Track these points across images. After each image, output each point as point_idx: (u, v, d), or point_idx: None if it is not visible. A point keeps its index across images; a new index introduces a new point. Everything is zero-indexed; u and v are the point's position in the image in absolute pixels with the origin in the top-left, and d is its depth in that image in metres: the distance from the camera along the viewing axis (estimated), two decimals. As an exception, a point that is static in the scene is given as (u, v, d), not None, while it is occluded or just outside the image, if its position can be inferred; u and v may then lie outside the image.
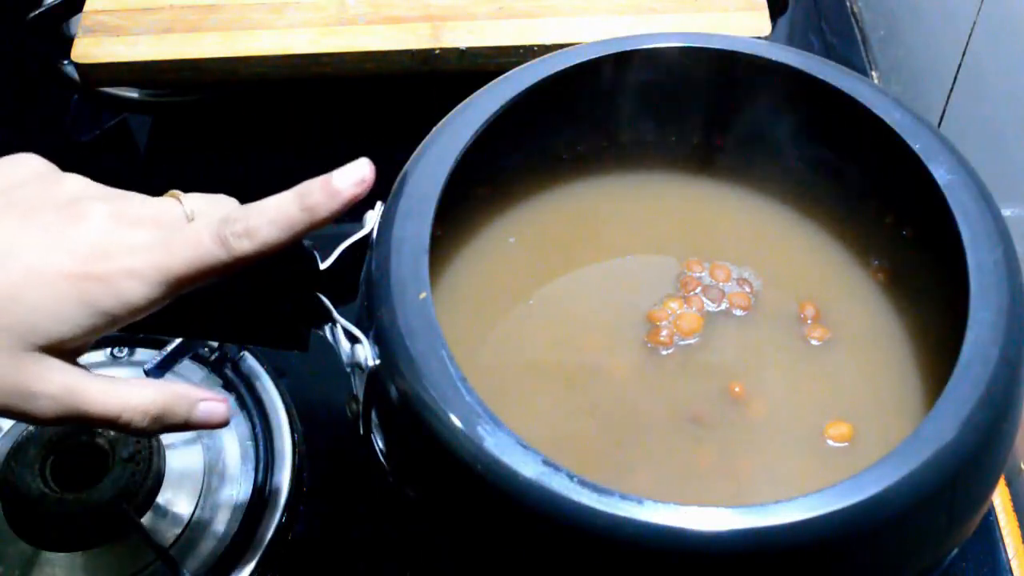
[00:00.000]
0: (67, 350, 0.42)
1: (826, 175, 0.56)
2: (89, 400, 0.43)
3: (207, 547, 0.57)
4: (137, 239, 0.43)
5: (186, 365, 0.63)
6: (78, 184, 0.45)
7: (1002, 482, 0.60)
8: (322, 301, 0.47)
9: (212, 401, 0.46)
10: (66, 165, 0.47)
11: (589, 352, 0.52)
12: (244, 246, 0.42)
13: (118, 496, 0.56)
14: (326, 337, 0.49)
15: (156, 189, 0.46)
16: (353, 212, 0.48)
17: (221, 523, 0.58)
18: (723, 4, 0.74)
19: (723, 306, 0.53)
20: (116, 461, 0.57)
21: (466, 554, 0.44)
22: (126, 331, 0.44)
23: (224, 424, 0.47)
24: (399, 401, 0.43)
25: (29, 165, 0.45)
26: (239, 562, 0.56)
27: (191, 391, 0.46)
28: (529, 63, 0.52)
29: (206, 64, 0.72)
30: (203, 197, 0.46)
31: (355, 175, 0.44)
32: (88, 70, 0.73)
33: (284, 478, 0.59)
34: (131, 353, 0.64)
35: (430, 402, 0.41)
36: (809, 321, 0.52)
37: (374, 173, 0.44)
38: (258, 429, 0.61)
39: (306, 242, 0.47)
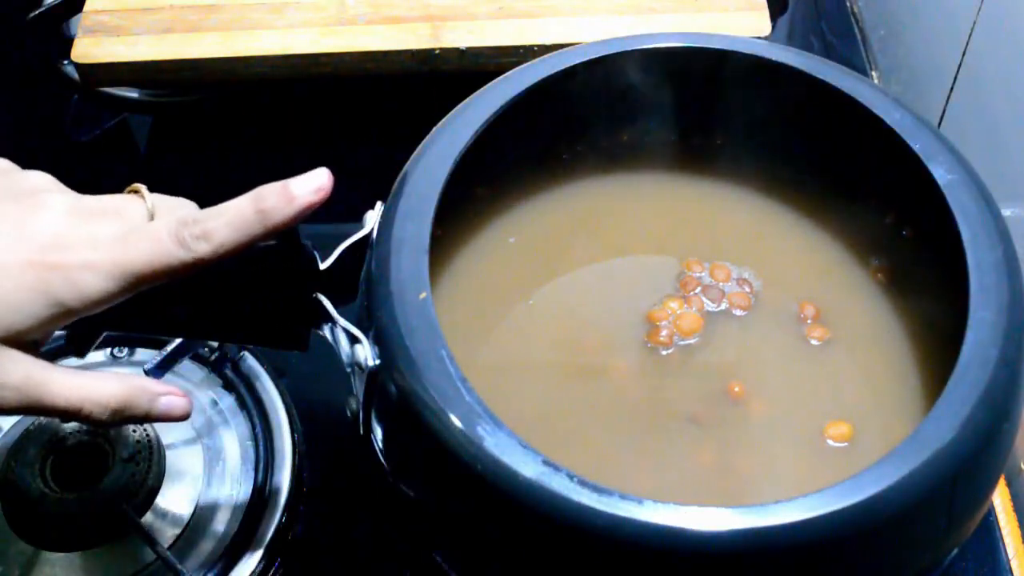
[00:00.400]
0: (26, 341, 0.43)
1: (826, 175, 0.56)
2: (51, 391, 0.43)
3: (207, 547, 0.57)
4: (97, 232, 0.43)
5: (186, 365, 0.63)
6: (40, 178, 0.45)
7: (1002, 482, 0.60)
8: (322, 301, 0.47)
9: (172, 396, 0.47)
10: (66, 165, 0.47)
11: (589, 352, 0.52)
12: (202, 248, 0.43)
13: (118, 496, 0.56)
14: (326, 337, 0.49)
15: (156, 189, 0.46)
16: (353, 212, 0.49)
17: (221, 523, 0.58)
18: (723, 4, 0.74)
19: (723, 306, 0.53)
20: (116, 461, 0.57)
21: (466, 554, 0.44)
22: (120, 331, 0.44)
23: (185, 417, 0.47)
24: (399, 401, 0.43)
25: None
26: (239, 562, 0.56)
27: (152, 385, 0.46)
28: (529, 63, 0.52)
29: (206, 64, 0.72)
30: (163, 197, 0.46)
31: (313, 183, 0.44)
32: (88, 70, 0.73)
33: (284, 478, 0.59)
34: (131, 353, 0.64)
35: (430, 402, 0.41)
36: (809, 321, 0.52)
37: (332, 183, 0.44)
38: (258, 429, 0.61)
39: (306, 242, 0.47)
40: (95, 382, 0.44)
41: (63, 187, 0.45)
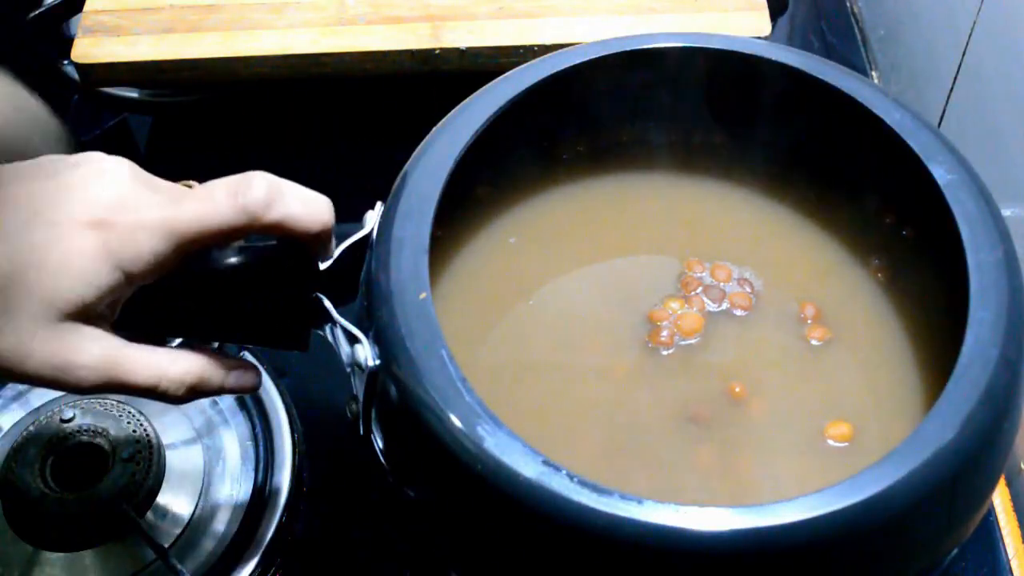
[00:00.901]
0: (96, 316, 0.42)
1: (827, 175, 0.56)
2: (127, 370, 0.43)
3: (207, 547, 0.57)
4: (153, 198, 0.43)
5: (186, 365, 0.63)
6: (100, 154, 0.45)
7: (1002, 482, 0.60)
8: (322, 301, 0.47)
9: (243, 370, 0.47)
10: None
11: (589, 352, 0.52)
12: (268, 210, 0.43)
13: (118, 496, 0.56)
14: (326, 337, 0.49)
15: (156, 189, 0.46)
16: (353, 212, 0.49)
17: (221, 523, 0.58)
18: (723, 4, 0.74)
19: (724, 306, 0.53)
20: (116, 461, 0.57)
21: (466, 554, 0.44)
22: (120, 331, 0.44)
23: (256, 389, 0.48)
24: (399, 401, 0.43)
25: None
26: (239, 562, 0.56)
27: (224, 360, 0.47)
28: (529, 63, 0.52)
29: (206, 64, 0.72)
30: None
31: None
32: (88, 70, 0.73)
33: (284, 478, 0.59)
34: (131, 353, 0.64)
35: (430, 402, 0.41)
36: (809, 321, 0.52)
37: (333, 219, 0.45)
38: (258, 429, 0.61)
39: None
40: (170, 358, 0.44)
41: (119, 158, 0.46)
